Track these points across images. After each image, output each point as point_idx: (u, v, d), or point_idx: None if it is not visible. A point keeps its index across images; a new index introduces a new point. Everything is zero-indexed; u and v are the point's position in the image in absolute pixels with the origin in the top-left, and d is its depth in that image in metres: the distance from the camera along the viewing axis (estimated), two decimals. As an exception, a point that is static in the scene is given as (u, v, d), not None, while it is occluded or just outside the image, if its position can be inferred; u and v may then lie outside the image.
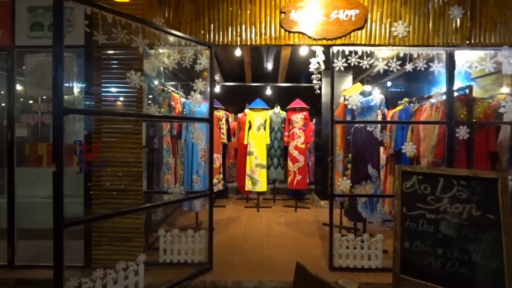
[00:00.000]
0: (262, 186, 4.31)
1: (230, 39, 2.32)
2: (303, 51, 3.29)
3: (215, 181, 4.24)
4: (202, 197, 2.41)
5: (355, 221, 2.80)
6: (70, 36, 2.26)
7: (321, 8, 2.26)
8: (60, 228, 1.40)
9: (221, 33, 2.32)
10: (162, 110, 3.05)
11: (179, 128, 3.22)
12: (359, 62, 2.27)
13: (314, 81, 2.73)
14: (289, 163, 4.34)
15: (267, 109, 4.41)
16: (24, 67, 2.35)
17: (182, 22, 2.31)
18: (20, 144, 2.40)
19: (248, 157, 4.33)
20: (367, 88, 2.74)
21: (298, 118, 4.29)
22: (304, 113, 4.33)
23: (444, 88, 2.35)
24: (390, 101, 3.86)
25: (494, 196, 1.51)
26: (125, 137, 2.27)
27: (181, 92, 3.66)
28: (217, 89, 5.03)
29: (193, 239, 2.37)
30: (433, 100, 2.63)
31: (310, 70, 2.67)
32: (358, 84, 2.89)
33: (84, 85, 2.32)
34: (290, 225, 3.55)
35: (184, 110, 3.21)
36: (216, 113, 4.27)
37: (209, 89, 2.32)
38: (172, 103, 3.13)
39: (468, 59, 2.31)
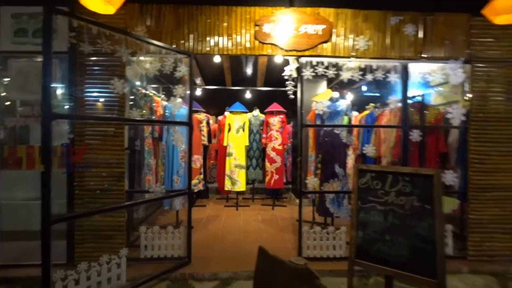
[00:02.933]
0: (241, 186, 4.49)
1: (208, 48, 2.49)
2: (278, 59, 3.51)
3: (195, 181, 4.37)
4: (181, 195, 2.55)
5: (324, 216, 3.05)
6: (54, 43, 2.33)
7: (292, 23, 2.49)
8: (48, 223, 1.50)
9: (200, 42, 2.48)
10: (144, 112, 3.16)
11: (160, 130, 3.32)
12: (325, 72, 2.52)
13: (288, 87, 2.95)
14: (267, 163, 4.56)
15: (246, 112, 4.60)
16: (8, 71, 2.38)
17: (163, 31, 2.45)
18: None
19: (227, 158, 4.50)
20: (335, 94, 3.01)
21: (275, 121, 4.52)
22: (281, 116, 4.57)
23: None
24: (362, 106, 4.20)
25: (431, 189, 1.79)
26: (108, 140, 2.38)
27: (163, 96, 3.77)
28: (199, 92, 5.16)
29: (172, 235, 2.51)
30: (392, 106, 2.94)
31: (285, 77, 2.89)
32: (329, 90, 3.16)
33: (67, 89, 2.39)
34: (267, 222, 3.75)
35: (166, 113, 3.33)
36: (196, 115, 4.41)
37: (188, 94, 2.47)
38: (154, 106, 3.24)
39: (421, 71, 2.64)
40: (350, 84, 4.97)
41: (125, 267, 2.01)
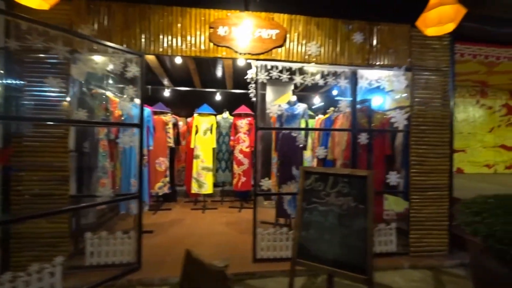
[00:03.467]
0: (208, 188, 4.46)
1: (161, 49, 2.46)
2: (241, 62, 3.55)
3: (160, 184, 4.27)
4: (130, 199, 2.48)
5: (283, 217, 3.11)
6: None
7: (247, 27, 2.53)
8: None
9: (152, 42, 2.44)
10: (99, 114, 3.04)
11: (117, 132, 3.21)
12: (279, 76, 2.59)
13: (251, 90, 2.99)
14: (234, 166, 4.57)
15: (214, 114, 4.59)
16: None
17: (112, 30, 2.38)
18: None
19: (194, 160, 4.45)
20: (293, 98, 3.10)
21: (243, 123, 4.55)
22: (249, 118, 4.60)
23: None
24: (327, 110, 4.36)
25: (365, 190, 1.89)
26: (51, 141, 2.25)
27: (124, 97, 3.65)
28: (167, 93, 5.06)
29: (122, 240, 2.42)
30: (345, 110, 3.08)
31: (247, 80, 2.92)
32: (288, 94, 3.23)
33: (3, 88, 2.23)
34: (231, 225, 3.75)
35: (123, 114, 3.22)
36: (162, 117, 4.32)
37: (140, 95, 2.42)
38: (110, 107, 3.13)
39: (369, 77, 2.79)
40: (318, 88, 5.15)
41: (61, 276, 1.91)
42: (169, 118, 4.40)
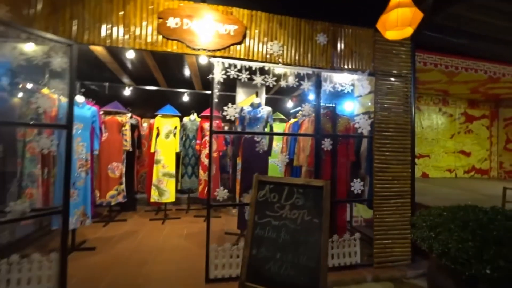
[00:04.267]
0: (169, 196, 4.10)
1: (98, 38, 2.12)
2: (205, 60, 3.29)
3: (113, 192, 3.84)
4: (52, 214, 2.08)
5: (244, 228, 2.86)
6: None
7: (201, 19, 2.29)
8: None
9: (87, 31, 2.10)
10: (28, 112, 2.60)
11: (51, 133, 2.77)
12: (238, 75, 2.37)
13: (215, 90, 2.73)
14: (201, 171, 4.26)
15: (178, 116, 4.26)
16: None
17: (36, 13, 2.00)
18: None
19: (155, 165, 4.07)
20: (256, 100, 2.89)
21: (209, 126, 4.26)
22: (217, 121, 4.33)
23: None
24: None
25: (321, 202, 1.71)
26: None
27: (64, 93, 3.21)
28: (127, 92, 4.63)
29: (39, 264, 2.01)
30: (310, 114, 2.94)
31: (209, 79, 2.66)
32: (253, 96, 3.03)
33: None
34: (191, 237, 3.42)
35: (61, 113, 2.80)
36: (117, 117, 3.91)
37: (69, 90, 2.05)
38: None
39: (333, 80, 2.67)
40: (292, 91, 5.03)
41: None
42: (125, 119, 3.99)
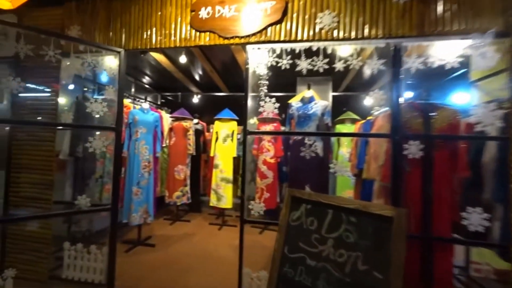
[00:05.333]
0: (226, 202, 3.99)
1: (140, 42, 2.18)
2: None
3: (179, 193, 4.07)
4: (102, 211, 2.22)
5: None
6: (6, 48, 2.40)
7: (233, 3, 1.99)
8: None
9: (132, 37, 2.19)
10: (108, 119, 3.02)
11: (123, 137, 3.13)
12: (277, 62, 1.91)
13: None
14: (257, 179, 3.95)
15: (236, 120, 4.13)
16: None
17: (96, 28, 2.25)
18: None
19: (214, 170, 4.08)
20: (308, 93, 2.31)
21: (267, 129, 3.91)
22: (275, 124, 3.93)
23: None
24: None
25: (386, 244, 1.00)
26: (38, 145, 2.24)
27: (138, 100, 3.64)
28: (195, 99, 4.96)
29: (95, 256, 2.17)
30: (387, 108, 2.08)
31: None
32: (305, 91, 2.47)
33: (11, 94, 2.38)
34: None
35: (130, 119, 3.14)
36: (183, 123, 4.16)
37: (117, 95, 2.17)
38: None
39: (425, 54, 1.77)
40: (369, 85, 4.06)
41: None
42: (190, 124, 4.20)
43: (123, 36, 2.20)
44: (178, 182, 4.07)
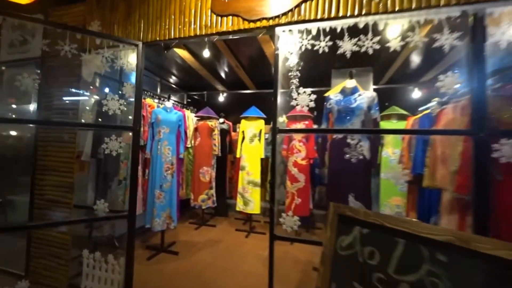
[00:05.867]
0: (254, 207, 3.71)
1: (158, 34, 1.99)
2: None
3: (204, 196, 3.90)
4: (118, 218, 2.07)
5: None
6: (32, 49, 2.42)
7: (260, -20, 1.69)
8: None
9: (150, 29, 2.02)
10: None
11: (146, 138, 3.03)
12: (313, 46, 1.56)
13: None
14: (287, 182, 3.59)
15: (263, 118, 3.84)
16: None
17: (115, 22, 2.13)
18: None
19: (240, 172, 3.83)
20: (349, 84, 1.91)
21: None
22: (307, 122, 3.55)
23: None
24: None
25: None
26: (59, 146, 2.19)
27: (163, 100, 3.54)
28: (221, 98, 4.78)
29: (112, 266, 2.03)
30: (461, 98, 1.60)
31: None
32: (346, 80, 2.08)
33: (39, 94, 2.38)
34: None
35: (153, 118, 3.02)
36: (208, 122, 3.98)
37: (135, 91, 2.01)
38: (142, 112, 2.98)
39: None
40: (420, 75, 3.49)
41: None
42: (215, 123, 4.01)
43: (142, 28, 2.03)
44: (203, 185, 3.90)
